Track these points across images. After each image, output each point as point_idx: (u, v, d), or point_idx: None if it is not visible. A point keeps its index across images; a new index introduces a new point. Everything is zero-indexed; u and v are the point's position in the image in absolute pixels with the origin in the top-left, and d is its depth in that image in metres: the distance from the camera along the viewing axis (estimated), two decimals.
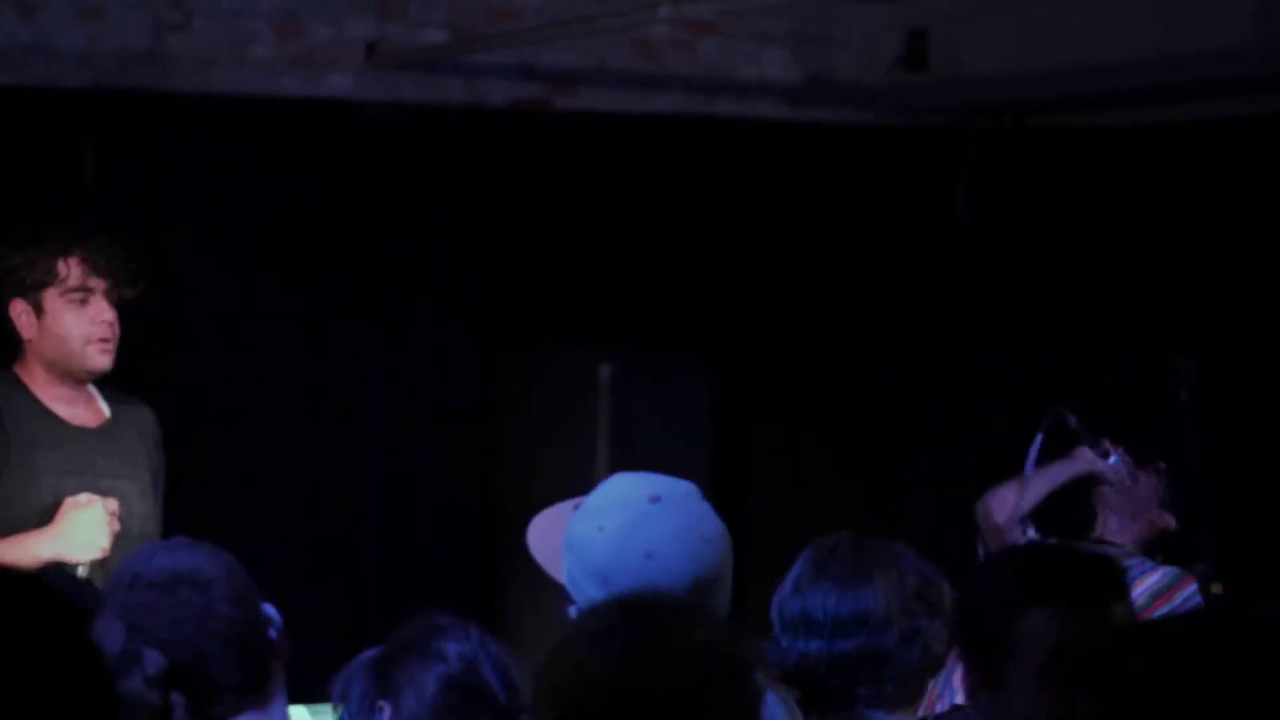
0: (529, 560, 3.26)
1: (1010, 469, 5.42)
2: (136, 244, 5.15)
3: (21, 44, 6.30)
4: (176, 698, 3.10)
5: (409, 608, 3.42)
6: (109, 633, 2.88)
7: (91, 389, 5.01)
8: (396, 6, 6.80)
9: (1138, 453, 5.41)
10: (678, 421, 6.77)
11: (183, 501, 5.27)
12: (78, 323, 4.89)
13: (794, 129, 7.36)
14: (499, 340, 6.86)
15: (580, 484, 3.41)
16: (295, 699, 3.45)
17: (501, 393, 6.83)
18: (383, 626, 3.42)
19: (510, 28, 6.88)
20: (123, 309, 4.95)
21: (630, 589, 3.02)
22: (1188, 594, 5.24)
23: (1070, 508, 5.49)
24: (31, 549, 4.71)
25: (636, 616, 2.46)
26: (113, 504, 4.79)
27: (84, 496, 4.78)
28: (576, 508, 3.21)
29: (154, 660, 3.02)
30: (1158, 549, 5.44)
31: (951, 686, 4.27)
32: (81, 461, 4.90)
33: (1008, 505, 5.35)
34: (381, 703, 3.13)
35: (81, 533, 4.74)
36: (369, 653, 3.23)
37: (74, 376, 4.94)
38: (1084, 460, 5.42)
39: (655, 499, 3.13)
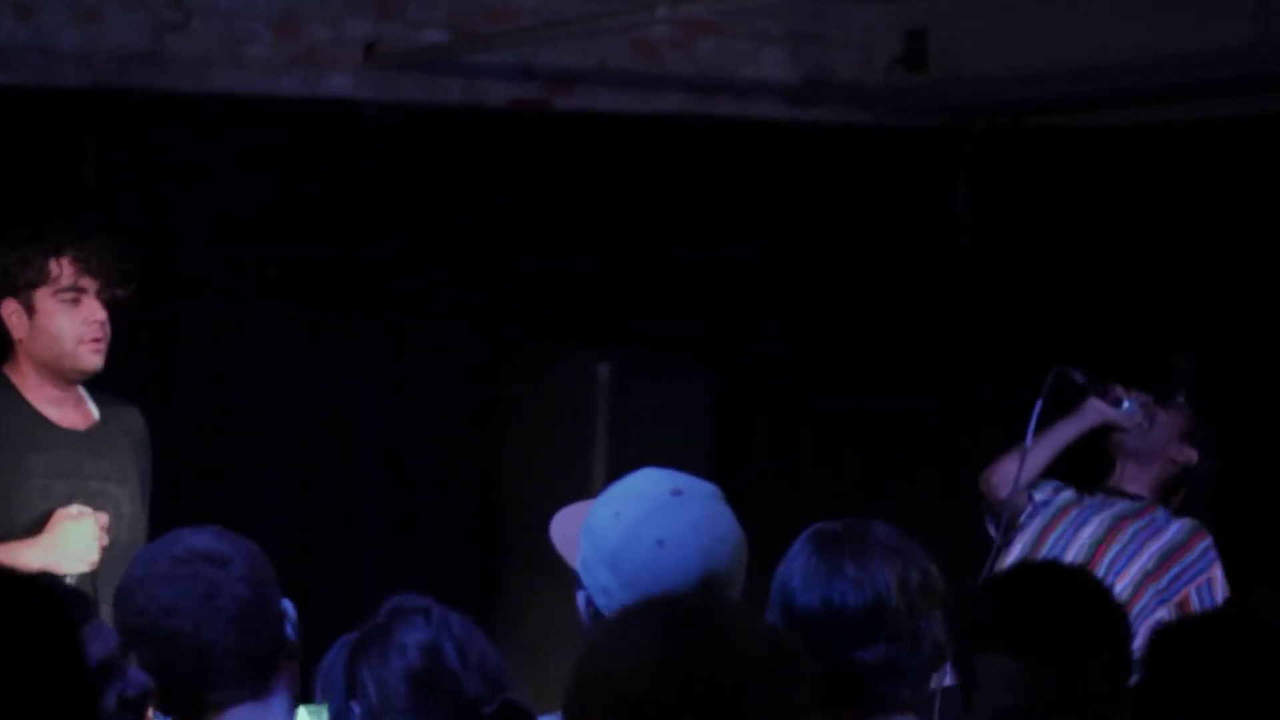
0: (528, 559, 3.27)
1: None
2: (135, 244, 5.15)
3: (20, 44, 6.30)
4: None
5: None
6: (98, 639, 2.88)
7: (81, 391, 5.00)
8: (395, 6, 6.80)
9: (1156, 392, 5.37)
10: (676, 421, 6.78)
11: (182, 501, 5.27)
12: (70, 323, 4.88)
13: (793, 129, 7.36)
14: (498, 340, 6.86)
15: (579, 483, 3.42)
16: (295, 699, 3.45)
17: (501, 392, 6.83)
18: None
19: (509, 28, 6.87)
20: (116, 309, 4.95)
21: (638, 575, 3.03)
22: (1202, 549, 5.20)
23: (1082, 459, 5.45)
24: (21, 558, 4.70)
25: (686, 609, 2.41)
26: (104, 518, 4.79)
27: (76, 509, 4.77)
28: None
29: (137, 681, 3.00)
30: (1180, 486, 5.39)
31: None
32: (70, 464, 4.89)
33: (1010, 478, 5.31)
34: (351, 703, 3.13)
35: (73, 544, 4.73)
36: (339, 645, 3.20)
37: (65, 377, 4.93)
38: (1094, 412, 5.35)
39: (678, 493, 3.15)
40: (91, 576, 4.71)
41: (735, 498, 3.28)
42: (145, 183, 6.42)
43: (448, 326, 6.80)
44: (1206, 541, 5.20)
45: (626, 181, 7.02)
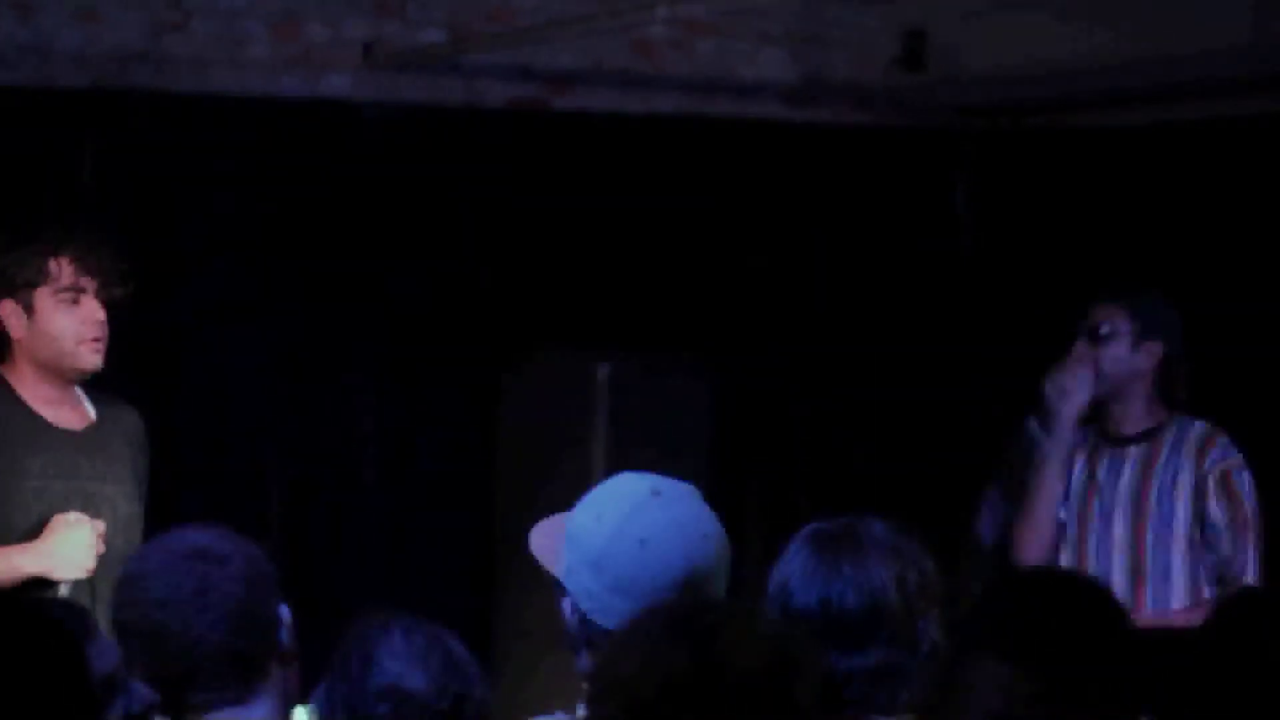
0: (527, 560, 3.26)
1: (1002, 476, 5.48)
2: (134, 244, 5.15)
3: (18, 44, 6.30)
4: None
5: (407, 607, 3.42)
6: (101, 655, 2.87)
7: (78, 391, 5.00)
8: (394, 6, 6.80)
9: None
10: (675, 422, 6.77)
11: (180, 501, 5.27)
12: (69, 322, 4.88)
13: (792, 129, 7.36)
14: (497, 340, 6.85)
15: (578, 484, 3.41)
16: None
17: (499, 393, 6.83)
18: None
19: (508, 28, 6.87)
20: (115, 309, 4.94)
21: (622, 576, 3.04)
22: (1224, 445, 5.46)
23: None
24: (16, 563, 4.70)
25: (691, 614, 2.45)
26: (100, 526, 4.79)
27: (73, 516, 4.77)
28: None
29: (141, 696, 3.00)
30: (1174, 382, 5.52)
31: None
32: (67, 465, 4.88)
33: (1044, 541, 5.41)
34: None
35: (69, 551, 4.73)
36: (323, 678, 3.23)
37: (64, 377, 4.93)
38: (1065, 431, 5.45)
39: (657, 493, 3.16)
40: (89, 583, 4.71)
41: (735, 498, 3.28)
42: (144, 183, 6.42)
43: (445, 326, 6.80)
44: (1226, 440, 5.45)
45: (625, 181, 7.02)
